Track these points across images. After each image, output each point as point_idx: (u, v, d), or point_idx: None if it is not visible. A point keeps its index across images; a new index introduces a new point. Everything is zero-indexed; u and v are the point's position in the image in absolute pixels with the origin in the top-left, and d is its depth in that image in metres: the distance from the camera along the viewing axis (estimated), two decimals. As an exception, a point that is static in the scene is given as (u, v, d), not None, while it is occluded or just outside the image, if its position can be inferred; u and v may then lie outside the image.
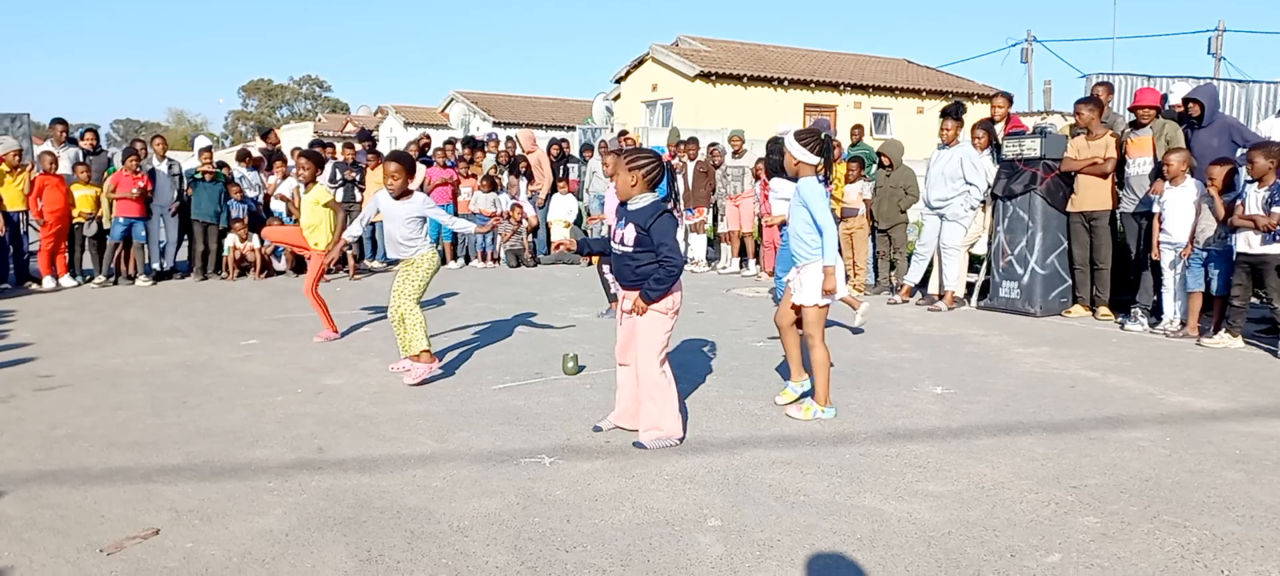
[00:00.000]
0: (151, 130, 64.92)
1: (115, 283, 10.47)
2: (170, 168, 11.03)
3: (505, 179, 13.10)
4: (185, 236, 11.37)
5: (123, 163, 10.61)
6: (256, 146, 14.86)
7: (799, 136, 4.72)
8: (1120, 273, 8.26)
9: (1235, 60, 53.97)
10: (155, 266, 10.98)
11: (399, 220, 5.73)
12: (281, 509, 3.53)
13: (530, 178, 13.30)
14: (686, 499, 3.63)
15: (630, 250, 4.22)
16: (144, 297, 9.60)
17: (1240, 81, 11.39)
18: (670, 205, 4.32)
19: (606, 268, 8.07)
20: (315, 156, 7.51)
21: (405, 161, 5.81)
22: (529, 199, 13.08)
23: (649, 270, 4.18)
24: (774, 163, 7.94)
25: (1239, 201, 6.73)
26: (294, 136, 35.74)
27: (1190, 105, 7.66)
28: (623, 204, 4.32)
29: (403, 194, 5.76)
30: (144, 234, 10.60)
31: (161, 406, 5.09)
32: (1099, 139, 7.99)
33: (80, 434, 4.55)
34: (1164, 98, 8.13)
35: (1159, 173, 7.44)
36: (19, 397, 5.32)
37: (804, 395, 5.01)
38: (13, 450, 4.30)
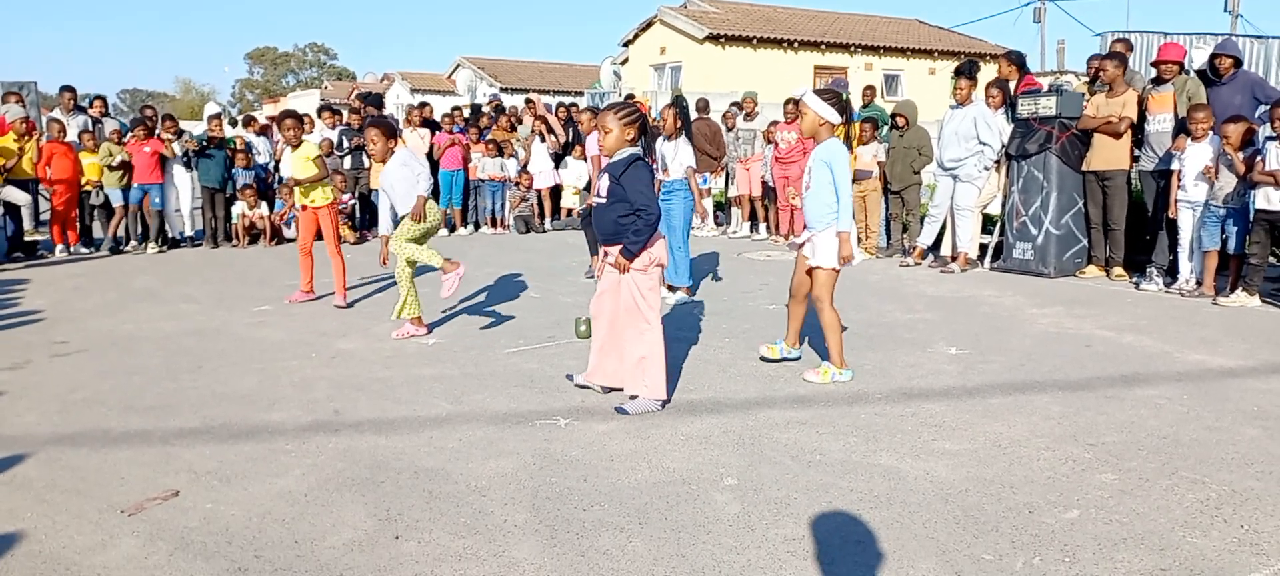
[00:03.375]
0: (159, 100, 64.93)
1: (141, 244, 10.52)
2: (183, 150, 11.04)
3: (533, 143, 13.07)
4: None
5: (132, 132, 10.58)
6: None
7: (820, 93, 4.64)
8: (1136, 232, 8.17)
9: (1253, 17, 53.02)
10: (173, 233, 11.01)
11: (395, 178, 5.86)
12: (299, 470, 3.55)
13: (545, 137, 13.24)
14: (702, 458, 3.63)
15: (605, 201, 4.18)
16: (155, 265, 9.62)
17: (1259, 37, 11.21)
18: (645, 157, 4.23)
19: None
20: (295, 115, 7.48)
21: (381, 125, 6.01)
22: (551, 156, 13.04)
23: (625, 222, 4.13)
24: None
25: (1259, 157, 6.64)
26: (300, 104, 35.68)
27: (1219, 60, 7.51)
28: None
29: (386, 157, 5.88)
30: (160, 200, 10.59)
31: (177, 371, 5.12)
32: (1120, 96, 7.86)
33: (98, 398, 4.58)
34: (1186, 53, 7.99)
35: (1181, 129, 7.32)
36: (36, 363, 5.35)
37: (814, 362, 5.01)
38: (32, 414, 4.33)
